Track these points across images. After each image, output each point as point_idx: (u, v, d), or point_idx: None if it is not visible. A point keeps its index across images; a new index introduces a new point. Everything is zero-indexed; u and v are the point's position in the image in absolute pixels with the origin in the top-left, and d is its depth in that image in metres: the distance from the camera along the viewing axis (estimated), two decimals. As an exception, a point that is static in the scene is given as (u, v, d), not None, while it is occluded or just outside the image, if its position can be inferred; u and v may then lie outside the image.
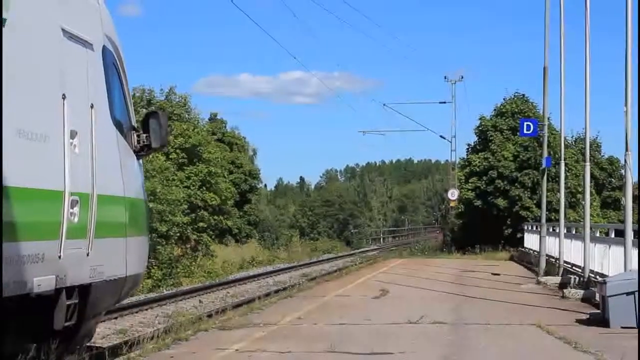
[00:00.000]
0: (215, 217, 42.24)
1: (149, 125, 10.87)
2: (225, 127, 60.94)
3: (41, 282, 8.20)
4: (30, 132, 7.97)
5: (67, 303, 9.01)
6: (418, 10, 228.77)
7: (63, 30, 8.83)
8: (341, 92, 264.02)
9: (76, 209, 8.85)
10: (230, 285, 27.76)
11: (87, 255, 9.18)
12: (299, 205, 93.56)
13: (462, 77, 59.30)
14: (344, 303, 17.52)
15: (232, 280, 29.36)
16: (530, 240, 33.20)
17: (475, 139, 48.15)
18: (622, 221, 15.36)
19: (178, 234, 33.84)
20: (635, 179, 16.70)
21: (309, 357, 10.59)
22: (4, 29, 7.51)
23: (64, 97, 8.69)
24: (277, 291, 23.28)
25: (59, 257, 8.53)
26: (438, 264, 33.17)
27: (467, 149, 49.06)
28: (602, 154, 54.70)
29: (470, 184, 46.05)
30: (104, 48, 9.98)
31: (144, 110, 35.18)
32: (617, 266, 16.42)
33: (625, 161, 14.90)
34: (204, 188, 39.97)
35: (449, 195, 52.31)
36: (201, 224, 38.82)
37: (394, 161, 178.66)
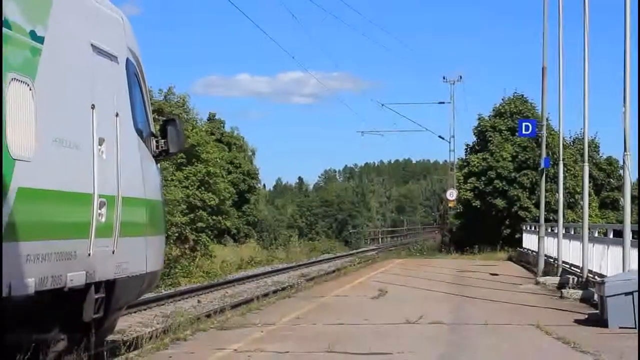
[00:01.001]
0: (214, 217, 42.18)
1: (167, 131, 11.71)
2: (223, 127, 60.95)
3: (74, 277, 8.98)
4: (65, 140, 8.79)
5: (95, 297, 9.76)
6: (416, 11, 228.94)
7: (92, 45, 9.65)
8: (340, 92, 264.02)
9: (103, 210, 9.64)
10: (228, 285, 27.76)
11: (113, 252, 9.96)
12: (298, 206, 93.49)
13: (460, 78, 59.17)
14: (342, 303, 17.51)
15: (230, 281, 29.36)
16: (529, 241, 33.21)
17: (474, 139, 48.19)
18: (621, 221, 15.35)
19: (176, 234, 33.81)
20: (634, 180, 16.69)
21: (308, 357, 10.58)
22: (42, 47, 8.43)
23: (92, 107, 9.51)
24: (275, 291, 23.27)
25: (89, 254, 9.32)
26: (436, 264, 33.18)
27: (466, 149, 49.13)
28: (600, 155, 54.68)
29: (468, 184, 46.07)
30: (127, 60, 10.77)
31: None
32: (615, 266, 16.43)
33: (623, 162, 14.90)
34: (203, 188, 39.89)
35: (448, 195, 52.32)
36: (200, 224, 38.75)
37: (392, 161, 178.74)
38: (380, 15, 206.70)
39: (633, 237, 15.31)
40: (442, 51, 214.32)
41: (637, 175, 15.21)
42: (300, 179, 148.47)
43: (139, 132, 11.06)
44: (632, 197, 14.50)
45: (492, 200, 44.35)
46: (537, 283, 22.20)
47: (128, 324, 17.70)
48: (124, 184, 10.21)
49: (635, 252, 15.06)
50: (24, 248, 8.00)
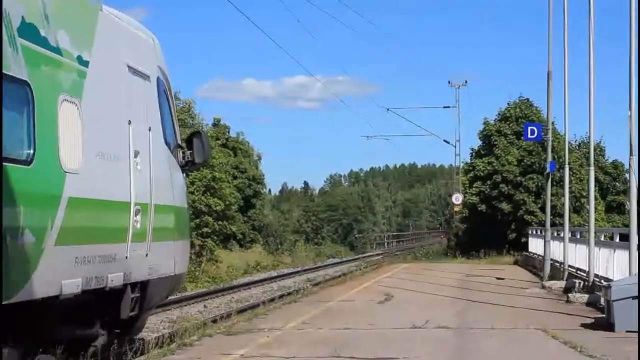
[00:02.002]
0: (220, 222, 42.16)
1: (193, 143, 12.54)
2: (229, 132, 60.96)
3: (113, 278, 9.86)
4: (106, 154, 9.76)
5: (132, 296, 10.63)
6: (422, 15, 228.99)
7: (128, 66, 10.62)
8: (345, 96, 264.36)
9: (139, 217, 10.52)
10: (234, 290, 27.75)
11: (146, 255, 10.85)
12: (303, 210, 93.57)
13: (466, 82, 59.26)
14: (348, 308, 17.52)
15: (236, 286, 29.35)
16: (535, 245, 33.16)
17: (480, 143, 48.14)
18: (627, 225, 15.34)
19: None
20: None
21: (314, 362, 10.60)
22: (88, 70, 9.39)
23: (129, 122, 10.43)
24: (281, 296, 23.25)
25: (126, 257, 10.21)
26: (442, 268, 33.15)
27: (471, 153, 49.02)
28: (606, 158, 54.63)
29: (474, 189, 46.00)
30: (158, 78, 11.76)
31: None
32: (622, 270, 16.40)
33: (629, 165, 14.91)
34: (208, 193, 39.88)
35: (453, 199, 52.30)
36: (205, 230, 38.75)
37: (397, 166, 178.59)
38: (385, 19, 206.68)
39: (639, 241, 15.29)
40: (447, 56, 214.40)
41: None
42: (305, 183, 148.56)
43: (168, 144, 11.95)
44: (638, 201, 14.47)
45: (498, 204, 44.28)
46: (543, 287, 22.17)
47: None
48: (155, 192, 11.12)
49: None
50: (73, 251, 8.94)
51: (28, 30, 8.32)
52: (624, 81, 14.89)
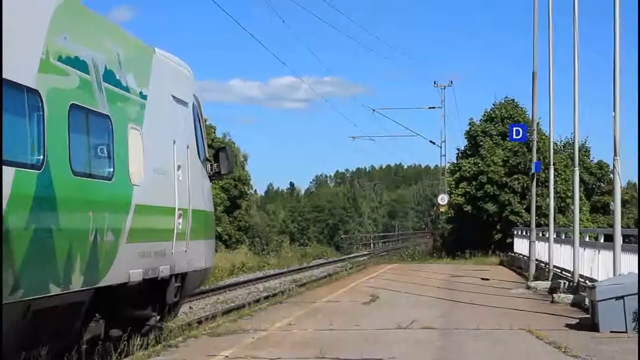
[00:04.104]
0: (205, 223, 42.14)
1: (219, 157, 15.11)
2: (215, 132, 60.82)
3: (163, 269, 12.28)
4: (159, 169, 12.24)
5: (175, 285, 13.11)
6: (408, 16, 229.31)
7: (173, 96, 13.17)
8: (331, 97, 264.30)
9: (180, 220, 12.99)
10: (220, 291, 27.69)
11: (185, 252, 13.27)
12: (289, 211, 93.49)
13: (451, 82, 59.30)
14: (334, 309, 17.51)
15: (222, 287, 29.27)
16: (520, 245, 33.26)
17: (465, 143, 48.23)
18: (612, 225, 15.39)
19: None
20: (624, 184, 16.74)
21: (299, 363, 10.58)
22: (146, 102, 11.84)
23: (174, 142, 12.97)
24: (267, 297, 23.23)
25: (172, 253, 12.63)
26: (428, 269, 33.18)
27: (457, 153, 49.13)
28: (591, 159, 54.78)
29: (460, 189, 46.08)
30: (193, 104, 14.27)
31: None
32: (606, 271, 16.47)
33: (614, 166, 14.95)
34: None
35: (439, 200, 52.35)
36: (191, 230, 38.75)
37: (383, 166, 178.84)
38: (371, 20, 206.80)
39: (624, 242, 15.35)
40: (433, 56, 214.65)
41: (627, 179, 15.17)
42: (291, 184, 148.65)
43: (200, 159, 14.46)
44: (623, 201, 14.52)
45: (483, 204, 44.37)
46: (529, 287, 22.23)
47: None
48: (192, 199, 13.56)
49: (626, 256, 15.10)
50: (138, 248, 11.31)
51: (108, 76, 10.64)
52: (609, 82, 14.95)
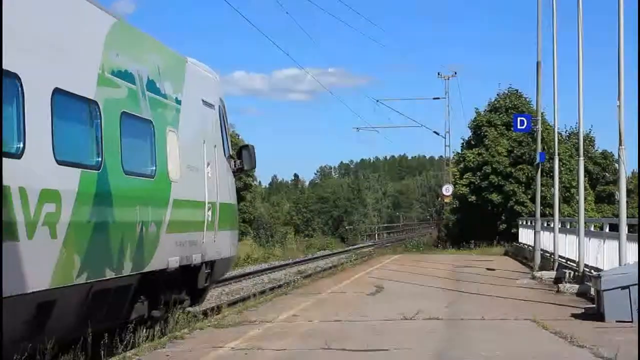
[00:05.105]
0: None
1: (242, 154, 16.45)
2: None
3: (196, 257, 13.67)
4: (192, 166, 13.57)
5: (205, 272, 14.47)
6: (412, 7, 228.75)
7: (202, 100, 14.56)
8: (335, 88, 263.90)
9: (209, 212, 14.31)
10: (225, 283, 27.63)
11: (214, 241, 14.65)
12: (294, 202, 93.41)
13: (455, 73, 59.43)
14: (339, 300, 17.52)
15: (227, 278, 29.15)
16: (525, 235, 33.23)
17: (470, 134, 48.15)
18: (617, 215, 15.36)
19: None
20: (629, 173, 16.71)
21: (305, 354, 10.60)
22: (181, 107, 13.22)
23: (204, 142, 14.36)
24: (272, 288, 23.24)
25: (203, 242, 14.01)
26: (433, 259, 33.19)
27: (462, 144, 49.08)
28: (595, 148, 54.80)
29: (464, 180, 46.06)
30: (219, 107, 15.59)
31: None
32: (611, 260, 16.44)
33: (618, 155, 14.92)
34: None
35: (444, 190, 52.34)
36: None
37: (388, 157, 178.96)
38: (374, 11, 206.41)
39: (629, 231, 15.32)
40: (437, 47, 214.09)
41: (632, 169, 15.17)
42: (296, 175, 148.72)
43: (225, 156, 15.77)
44: (628, 191, 14.48)
45: (488, 195, 44.34)
46: (534, 278, 22.21)
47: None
48: (220, 193, 14.91)
49: (631, 245, 15.08)
50: (175, 238, 12.63)
51: (150, 85, 11.98)
52: (614, 71, 14.89)
